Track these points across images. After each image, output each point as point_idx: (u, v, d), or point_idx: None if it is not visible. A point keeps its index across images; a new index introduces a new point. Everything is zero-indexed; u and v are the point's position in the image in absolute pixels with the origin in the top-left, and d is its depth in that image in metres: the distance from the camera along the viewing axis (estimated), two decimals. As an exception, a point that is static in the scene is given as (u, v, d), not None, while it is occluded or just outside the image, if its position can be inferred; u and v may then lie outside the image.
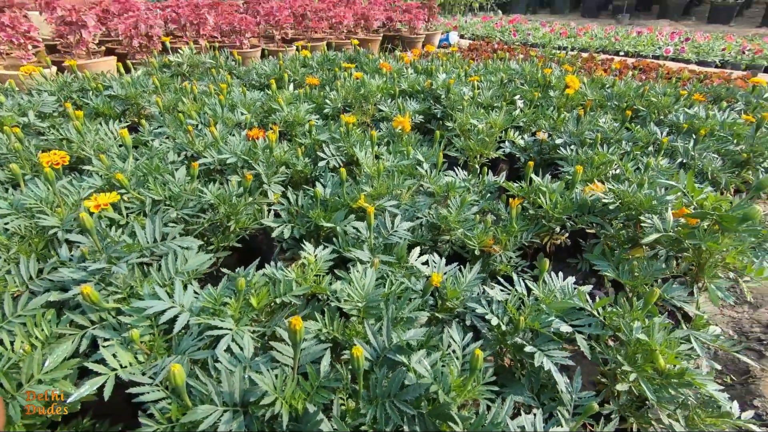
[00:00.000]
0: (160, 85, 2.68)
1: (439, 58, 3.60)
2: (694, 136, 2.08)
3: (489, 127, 2.16)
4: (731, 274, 1.21)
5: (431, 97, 2.73)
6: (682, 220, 1.27)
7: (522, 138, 2.30)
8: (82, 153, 1.68)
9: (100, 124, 1.96)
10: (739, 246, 1.12)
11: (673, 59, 6.22)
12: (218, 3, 5.01)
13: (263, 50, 4.96)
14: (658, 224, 1.21)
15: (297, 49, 4.15)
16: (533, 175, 1.59)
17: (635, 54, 6.51)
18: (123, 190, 1.36)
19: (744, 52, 6.16)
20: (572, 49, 6.82)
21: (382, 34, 6.65)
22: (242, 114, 2.24)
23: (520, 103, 2.79)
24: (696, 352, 1.01)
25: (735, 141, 2.03)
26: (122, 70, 2.78)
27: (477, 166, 2.10)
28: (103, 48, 4.28)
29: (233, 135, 1.97)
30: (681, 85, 3.15)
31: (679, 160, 1.92)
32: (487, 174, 1.77)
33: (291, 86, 2.64)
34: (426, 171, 1.66)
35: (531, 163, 1.57)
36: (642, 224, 1.30)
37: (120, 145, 1.83)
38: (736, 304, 1.70)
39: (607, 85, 2.98)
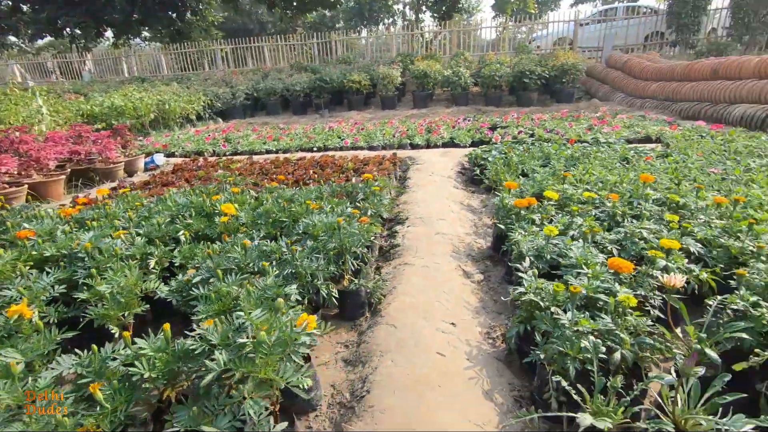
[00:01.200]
0: None
1: (107, 204, 3.53)
2: (309, 242, 2.70)
3: (125, 286, 2.24)
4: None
5: (78, 260, 2.64)
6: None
7: (176, 279, 2.46)
8: None
9: None
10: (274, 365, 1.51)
11: (352, 148, 7.90)
12: None
13: None
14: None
15: None
16: (135, 338, 1.73)
17: (325, 148, 7.98)
18: None
19: (395, 135, 8.41)
20: (276, 151, 7.83)
21: (69, 170, 6.06)
22: None
23: (183, 238, 3.00)
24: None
25: (332, 238, 2.73)
26: None
27: (117, 331, 2.13)
28: None
29: None
30: (325, 181, 4.04)
31: (288, 270, 2.43)
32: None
33: None
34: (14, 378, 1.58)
35: (126, 333, 1.71)
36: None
37: None
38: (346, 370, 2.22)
39: (263, 202, 3.53)
